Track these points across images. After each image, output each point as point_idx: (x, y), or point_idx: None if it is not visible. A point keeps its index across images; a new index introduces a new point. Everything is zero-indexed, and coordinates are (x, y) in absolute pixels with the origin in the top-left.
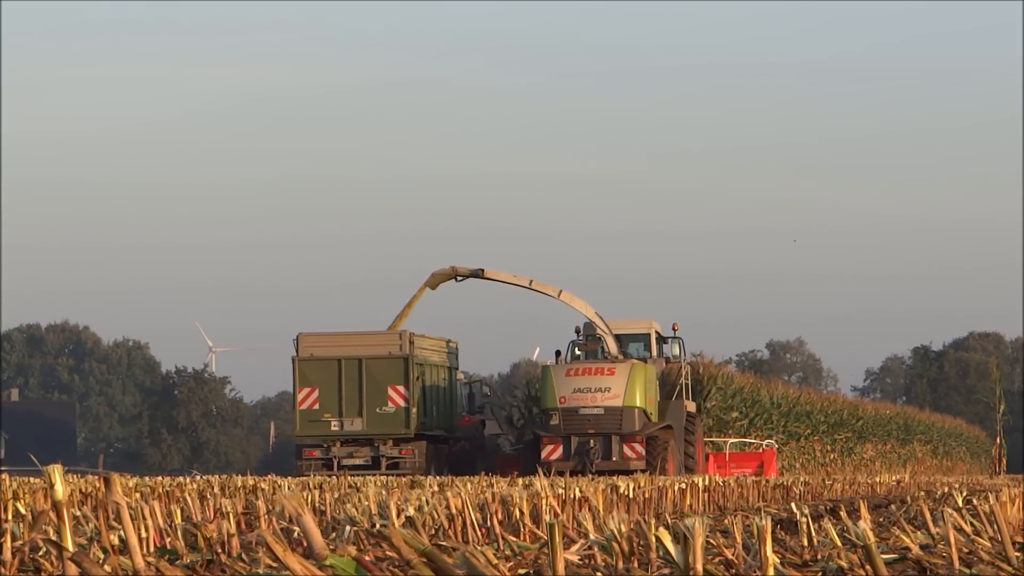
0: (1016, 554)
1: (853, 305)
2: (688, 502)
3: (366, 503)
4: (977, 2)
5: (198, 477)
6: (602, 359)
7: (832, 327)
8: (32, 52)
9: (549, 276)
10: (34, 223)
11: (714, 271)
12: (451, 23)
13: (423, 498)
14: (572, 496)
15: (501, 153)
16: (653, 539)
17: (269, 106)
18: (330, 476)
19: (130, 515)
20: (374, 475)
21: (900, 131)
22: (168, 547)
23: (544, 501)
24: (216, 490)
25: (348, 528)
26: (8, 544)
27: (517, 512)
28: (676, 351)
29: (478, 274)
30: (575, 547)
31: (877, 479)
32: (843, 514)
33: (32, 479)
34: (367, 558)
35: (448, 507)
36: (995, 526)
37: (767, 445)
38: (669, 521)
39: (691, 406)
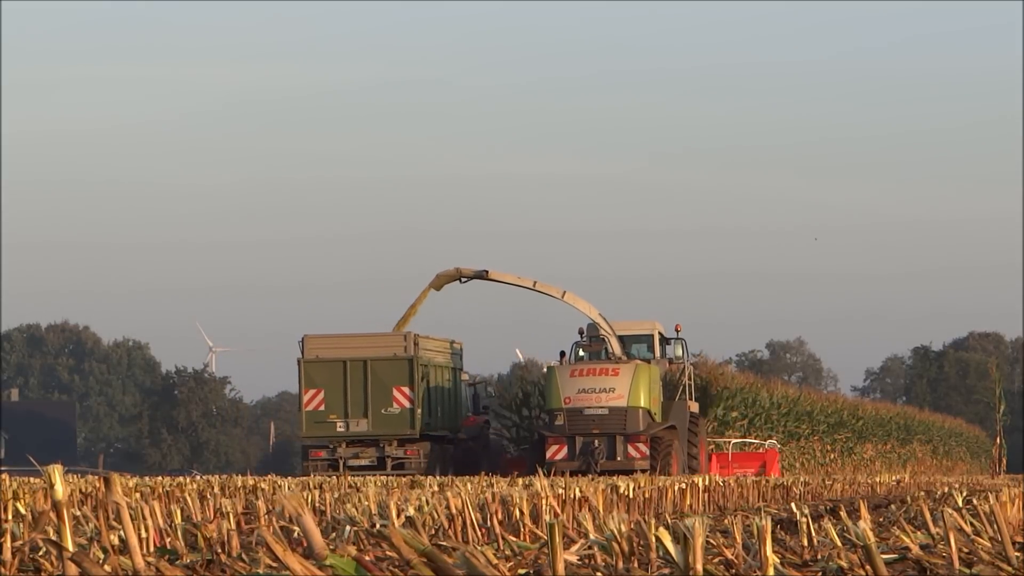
0: (1016, 554)
1: (853, 305)
2: (688, 502)
3: (366, 503)
4: (977, 2)
5: (198, 477)
6: (606, 360)
7: (832, 327)
8: (32, 52)
9: (548, 276)
10: (34, 223)
11: (714, 271)
12: (451, 23)
13: (423, 498)
14: (572, 496)
15: (501, 153)
16: (653, 539)
17: (269, 106)
18: (337, 476)
19: (130, 515)
20: (380, 475)
21: (900, 131)
22: (168, 547)
23: (544, 501)
24: (216, 490)
25: (348, 528)
26: (8, 544)
27: (517, 512)
28: (679, 352)
29: (482, 275)
30: (575, 547)
31: (877, 479)
32: (843, 514)
33: (32, 479)
34: (367, 558)
35: (448, 507)
36: (995, 526)
37: (769, 445)
38: (669, 521)
39: (694, 406)
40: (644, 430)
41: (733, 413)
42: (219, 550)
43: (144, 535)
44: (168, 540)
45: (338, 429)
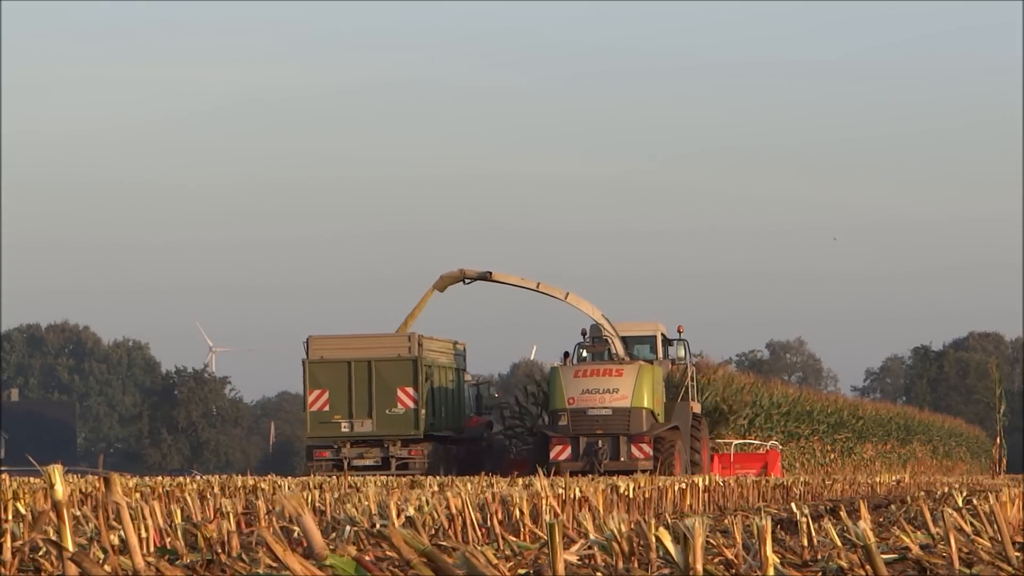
0: (1016, 554)
1: (853, 305)
2: (688, 502)
3: (366, 503)
4: (977, 2)
5: (198, 477)
6: (610, 360)
7: (832, 327)
8: (32, 52)
9: (548, 276)
10: (34, 223)
11: (714, 271)
12: (451, 23)
13: (423, 498)
14: (572, 496)
15: (501, 153)
16: (653, 539)
17: (269, 106)
18: (337, 476)
19: (130, 515)
20: (384, 476)
21: (900, 131)
22: (168, 547)
23: (544, 501)
24: (216, 490)
25: (348, 528)
26: (8, 544)
27: (517, 512)
28: (681, 353)
29: (486, 277)
30: (575, 547)
31: (877, 479)
32: (843, 514)
33: (32, 479)
34: (367, 558)
35: (448, 507)
36: (995, 526)
37: (771, 446)
38: (669, 521)
39: (696, 407)
40: (648, 431)
41: (733, 413)
42: (219, 550)
43: (144, 535)
44: (168, 540)
45: (343, 429)
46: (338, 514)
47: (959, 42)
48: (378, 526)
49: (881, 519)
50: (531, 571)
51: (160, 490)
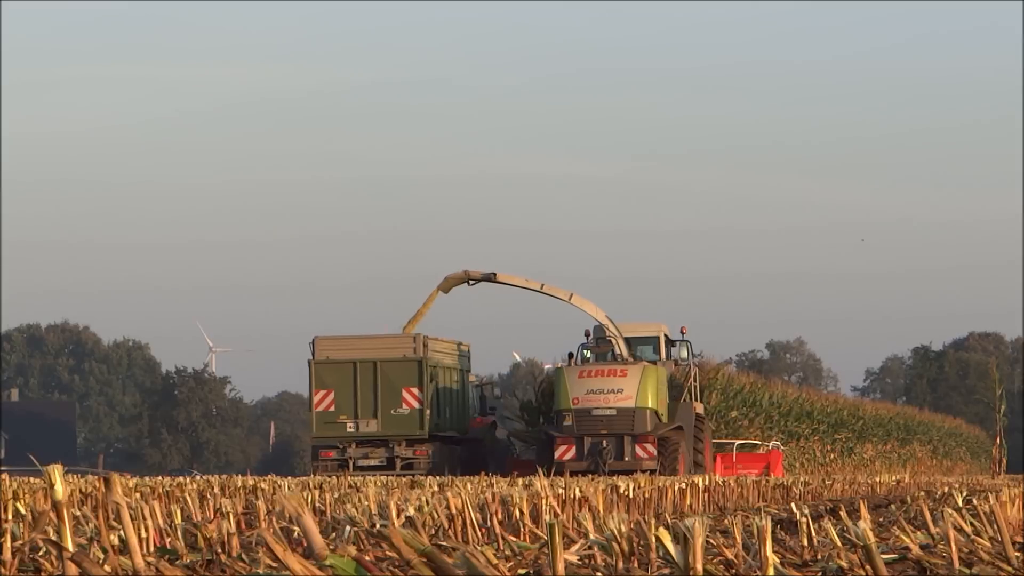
0: (1016, 554)
1: (853, 305)
2: (688, 502)
3: (366, 503)
4: (977, 2)
5: (198, 477)
6: (615, 361)
7: (832, 327)
8: (32, 52)
9: (546, 276)
10: (34, 223)
11: (714, 271)
12: (451, 23)
13: (423, 498)
14: (572, 496)
15: (501, 153)
16: (653, 539)
17: (269, 106)
18: (337, 476)
19: (130, 515)
20: (390, 476)
21: (900, 131)
22: (168, 547)
23: (544, 501)
24: (216, 490)
25: (348, 528)
26: (8, 544)
27: (517, 512)
28: (684, 354)
29: (490, 278)
30: (575, 547)
31: (877, 479)
32: (843, 514)
33: (32, 479)
34: (367, 558)
35: (448, 507)
36: (995, 526)
37: (773, 447)
38: (669, 521)
39: (699, 408)
40: (652, 431)
41: (732, 413)
42: (219, 550)
43: (144, 535)
44: (168, 540)
45: (348, 430)
46: (338, 514)
47: (959, 42)
48: (378, 526)
49: (881, 519)
50: (531, 571)
51: (160, 490)
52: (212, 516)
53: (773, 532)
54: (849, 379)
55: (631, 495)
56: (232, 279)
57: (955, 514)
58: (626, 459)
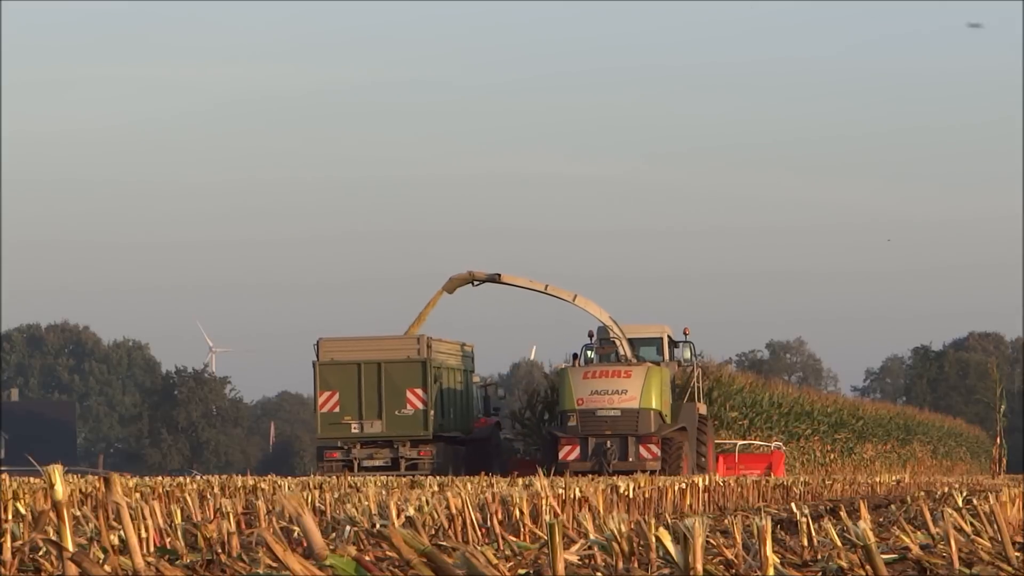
0: (1016, 554)
1: (853, 305)
2: (688, 502)
3: (366, 503)
4: (977, 2)
5: (198, 477)
6: (619, 362)
7: (832, 327)
8: (32, 52)
9: (546, 276)
10: (34, 222)
11: (714, 271)
12: (451, 23)
13: (423, 498)
14: (572, 496)
15: (501, 153)
16: (653, 539)
17: (269, 106)
18: (337, 476)
19: (130, 515)
20: (394, 476)
21: (900, 131)
22: (168, 547)
23: (544, 501)
24: (216, 490)
25: (348, 528)
26: (8, 544)
27: (517, 512)
28: (687, 355)
29: (495, 279)
30: (575, 547)
31: (877, 479)
32: (843, 514)
33: (32, 479)
34: (367, 558)
35: (448, 507)
36: (995, 526)
37: (775, 447)
38: (669, 521)
39: (702, 408)
40: (656, 431)
41: (732, 413)
42: (219, 550)
43: (144, 535)
44: (168, 540)
45: (353, 430)
46: (338, 514)
47: (959, 42)
48: (378, 526)
49: (881, 519)
50: (531, 571)
51: (160, 490)
52: (212, 516)
53: (773, 532)
54: (849, 379)
55: (631, 495)
56: (232, 279)
57: (955, 514)
58: (630, 460)
